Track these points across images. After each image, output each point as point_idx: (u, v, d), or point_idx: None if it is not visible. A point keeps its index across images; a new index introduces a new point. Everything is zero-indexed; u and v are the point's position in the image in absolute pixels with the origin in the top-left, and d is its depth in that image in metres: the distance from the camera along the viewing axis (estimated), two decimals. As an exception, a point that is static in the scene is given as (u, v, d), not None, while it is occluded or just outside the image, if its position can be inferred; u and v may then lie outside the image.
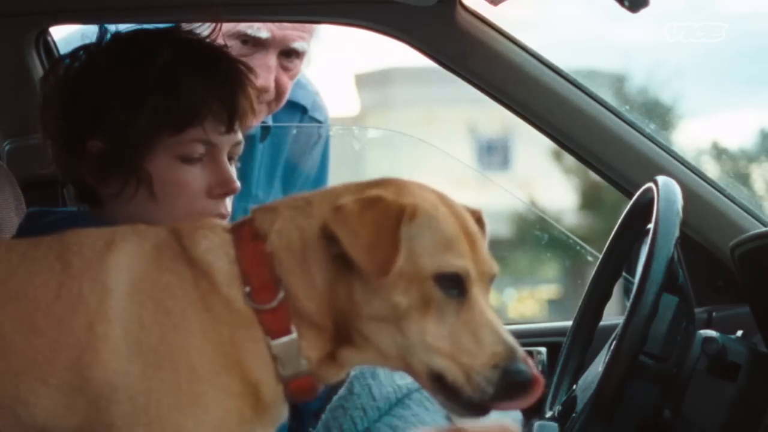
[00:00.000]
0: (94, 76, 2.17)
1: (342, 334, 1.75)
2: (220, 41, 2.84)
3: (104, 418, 1.71)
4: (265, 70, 2.92)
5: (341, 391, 2.23)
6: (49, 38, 2.96)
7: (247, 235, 1.78)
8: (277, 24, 2.92)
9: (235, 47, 2.89)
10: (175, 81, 2.11)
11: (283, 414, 1.80)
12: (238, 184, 2.17)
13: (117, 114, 2.12)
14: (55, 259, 1.79)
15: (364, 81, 23.94)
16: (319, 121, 3.26)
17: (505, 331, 1.73)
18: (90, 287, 1.75)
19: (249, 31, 2.91)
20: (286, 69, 2.98)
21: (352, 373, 2.22)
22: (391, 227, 1.69)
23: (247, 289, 1.74)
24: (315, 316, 1.74)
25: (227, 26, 2.92)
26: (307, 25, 2.98)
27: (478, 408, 1.72)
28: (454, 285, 1.72)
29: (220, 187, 2.14)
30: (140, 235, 1.81)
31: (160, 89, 2.11)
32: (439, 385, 1.72)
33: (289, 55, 2.97)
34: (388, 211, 1.71)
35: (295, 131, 3.21)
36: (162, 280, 1.75)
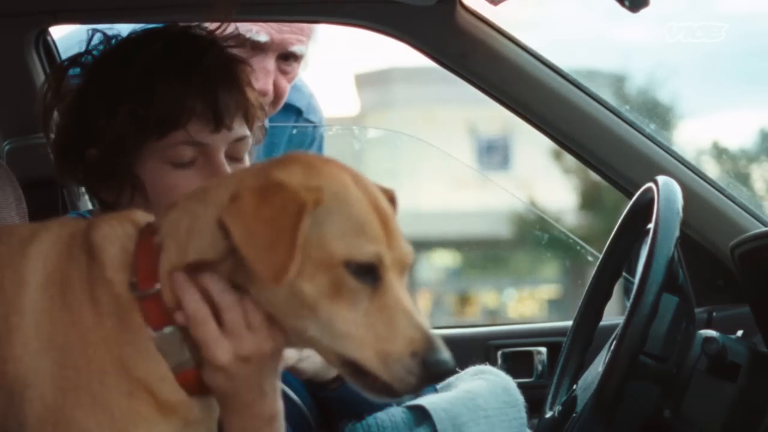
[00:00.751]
0: (84, 84, 2.15)
1: None
2: None
3: (18, 415, 1.68)
4: (263, 74, 2.92)
5: None
6: (49, 38, 2.96)
7: (147, 230, 1.74)
8: (275, 27, 2.92)
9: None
10: (150, 84, 2.07)
11: (213, 409, 1.74)
12: None
13: (100, 121, 2.09)
14: None
15: (364, 81, 23.96)
16: (313, 123, 3.26)
17: (422, 317, 1.65)
18: (10, 278, 1.72)
19: (248, 35, 2.90)
20: (284, 72, 2.98)
21: None
22: (289, 226, 1.59)
23: (134, 279, 1.69)
24: None
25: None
26: (306, 29, 2.98)
27: (393, 392, 1.66)
28: (368, 271, 1.64)
29: None
30: (61, 226, 1.78)
31: (136, 93, 2.07)
32: (354, 370, 1.66)
33: (288, 58, 2.96)
34: (287, 205, 1.60)
35: (293, 132, 3.21)
36: (67, 273, 1.71)
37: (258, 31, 2.91)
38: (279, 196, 1.61)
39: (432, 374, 1.63)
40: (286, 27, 2.94)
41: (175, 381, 1.69)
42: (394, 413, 2.20)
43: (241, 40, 2.89)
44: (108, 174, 2.11)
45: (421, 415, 2.20)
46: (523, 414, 2.29)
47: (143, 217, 1.79)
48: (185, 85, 2.07)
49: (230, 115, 2.10)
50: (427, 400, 2.21)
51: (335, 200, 1.65)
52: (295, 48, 2.96)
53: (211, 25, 2.39)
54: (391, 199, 1.75)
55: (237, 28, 2.80)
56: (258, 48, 2.92)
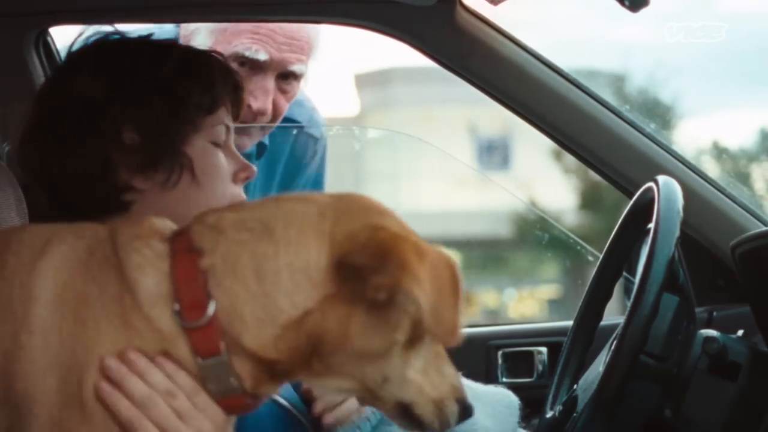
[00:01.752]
0: (118, 72, 2.15)
1: (296, 362, 1.67)
2: None
3: (24, 431, 1.66)
4: (262, 93, 2.91)
5: None
6: (49, 38, 2.96)
7: (183, 248, 1.68)
8: (275, 46, 2.91)
9: None
10: (197, 65, 2.16)
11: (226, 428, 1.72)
12: (255, 168, 2.19)
13: (159, 102, 2.11)
14: None
15: (364, 81, 23.95)
16: (315, 138, 3.25)
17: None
18: (19, 293, 1.68)
19: (247, 53, 2.89)
20: (283, 92, 2.96)
21: None
22: (452, 290, 1.65)
23: (176, 306, 1.65)
24: (265, 348, 1.65)
25: (225, 47, 2.90)
26: (306, 48, 2.96)
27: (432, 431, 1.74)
28: None
29: (242, 172, 2.17)
30: (76, 236, 1.73)
31: (188, 74, 2.14)
32: (403, 411, 1.71)
33: (287, 77, 2.95)
34: (442, 267, 1.65)
35: (289, 147, 3.20)
36: (84, 290, 1.67)
37: (257, 50, 2.89)
38: (430, 258, 1.65)
39: (462, 417, 1.74)
40: (285, 46, 2.92)
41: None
42: None
43: (237, 60, 2.90)
44: (160, 154, 2.11)
45: None
46: (516, 411, 2.30)
47: (161, 224, 1.75)
48: (218, 68, 2.19)
49: (241, 106, 2.23)
50: None
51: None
52: (295, 67, 2.94)
53: (209, 25, 2.41)
54: None
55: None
56: (257, 67, 2.90)
